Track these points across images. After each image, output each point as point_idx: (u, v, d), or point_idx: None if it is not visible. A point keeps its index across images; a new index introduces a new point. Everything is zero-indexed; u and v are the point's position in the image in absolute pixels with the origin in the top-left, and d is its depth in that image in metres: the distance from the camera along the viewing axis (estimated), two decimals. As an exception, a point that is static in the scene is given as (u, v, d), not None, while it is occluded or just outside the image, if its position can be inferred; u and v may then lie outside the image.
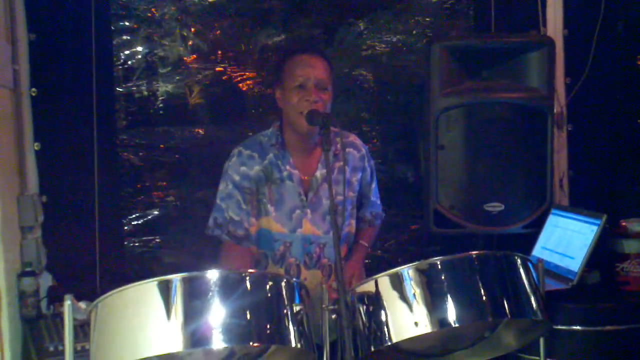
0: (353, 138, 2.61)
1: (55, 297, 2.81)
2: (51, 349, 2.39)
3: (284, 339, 1.76)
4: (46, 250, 2.90)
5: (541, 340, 2.17)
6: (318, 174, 2.47)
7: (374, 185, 2.65)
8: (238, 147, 2.49)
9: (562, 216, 2.90)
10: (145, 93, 3.26)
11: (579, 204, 3.09)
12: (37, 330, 2.59)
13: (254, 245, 2.46)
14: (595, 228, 2.66)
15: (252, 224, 2.45)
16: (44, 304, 2.83)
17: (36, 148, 2.91)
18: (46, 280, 2.90)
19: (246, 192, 2.43)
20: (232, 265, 2.38)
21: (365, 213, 2.66)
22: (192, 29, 3.32)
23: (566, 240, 2.80)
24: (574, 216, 2.82)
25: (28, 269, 2.77)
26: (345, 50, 3.50)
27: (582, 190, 3.38)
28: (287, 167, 2.44)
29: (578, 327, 2.50)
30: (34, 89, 2.89)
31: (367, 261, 2.73)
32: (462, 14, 3.53)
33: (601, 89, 3.37)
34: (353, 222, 2.54)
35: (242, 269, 2.28)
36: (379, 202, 2.69)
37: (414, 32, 3.53)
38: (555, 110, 3.11)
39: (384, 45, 3.51)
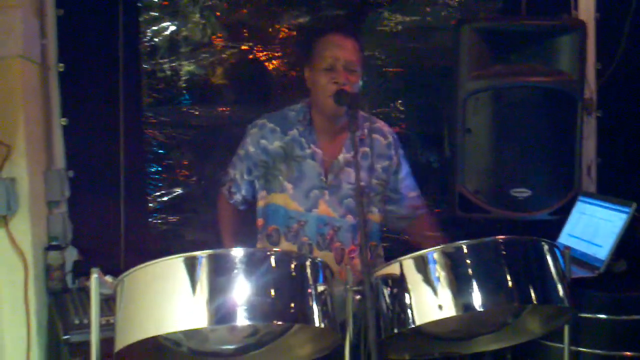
0: (381, 124, 2.58)
1: (80, 272, 2.84)
2: (76, 322, 2.42)
3: (307, 319, 1.76)
4: (72, 225, 2.94)
5: (566, 328, 2.15)
6: (341, 157, 2.45)
7: (401, 175, 2.57)
8: (264, 117, 2.51)
9: (590, 203, 2.87)
10: (170, 71, 3.26)
11: (606, 192, 3.05)
12: (62, 304, 2.63)
13: (259, 218, 2.50)
14: (624, 216, 2.62)
15: (258, 198, 2.49)
16: (69, 278, 2.87)
17: (63, 123, 2.93)
18: (71, 255, 2.93)
19: (261, 165, 2.46)
20: (223, 223, 2.65)
21: (402, 210, 2.59)
22: (219, 7, 3.31)
23: (593, 227, 2.77)
24: (602, 203, 2.78)
25: (54, 243, 2.80)
26: (372, 32, 3.47)
27: (609, 178, 3.34)
28: (312, 146, 2.43)
29: (603, 316, 2.48)
30: (61, 64, 2.90)
31: (386, 244, 2.69)
32: (491, -5, 3.49)
33: (632, 76, 3.31)
34: (375, 210, 2.50)
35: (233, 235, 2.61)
36: (413, 194, 2.61)
37: (443, 13, 3.49)
38: (585, 96, 3.06)
39: (411, 27, 3.48)
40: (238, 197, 2.57)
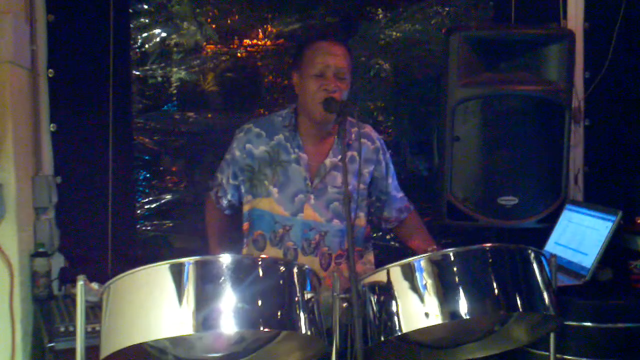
0: (368, 129, 2.59)
1: (66, 278, 2.83)
2: (62, 329, 2.40)
3: (294, 326, 1.76)
4: (59, 231, 2.92)
5: (551, 336, 2.16)
6: (327, 161, 2.45)
7: (390, 180, 2.58)
8: (250, 122, 2.52)
9: (577, 212, 2.88)
10: (161, 77, 3.26)
11: (594, 200, 3.07)
12: (48, 311, 2.62)
13: (245, 222, 2.50)
14: (610, 224, 2.63)
15: (244, 202, 2.50)
16: (55, 284, 2.85)
17: (52, 129, 2.92)
18: (58, 262, 2.92)
19: (247, 169, 2.46)
20: (207, 221, 2.65)
21: (391, 212, 2.60)
22: (210, 14, 3.31)
23: (580, 235, 2.78)
24: (589, 212, 2.80)
25: (41, 250, 2.79)
26: (363, 39, 3.48)
27: (597, 186, 3.35)
28: (296, 150, 2.44)
29: (589, 324, 2.49)
30: (51, 70, 2.90)
31: (375, 251, 2.70)
32: (481, 4, 3.51)
33: (620, 84, 3.33)
34: (362, 214, 2.51)
35: (222, 237, 2.61)
36: (400, 195, 2.63)
37: (433, 21, 3.51)
38: (572, 105, 3.08)
39: (401, 35, 3.49)
40: (224, 201, 2.57)
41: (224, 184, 2.55)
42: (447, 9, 3.51)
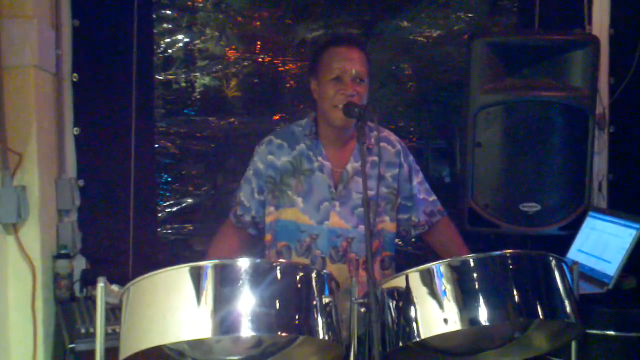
0: (387, 133, 2.57)
1: (88, 280, 2.86)
2: (83, 330, 2.42)
3: (312, 331, 1.75)
4: (81, 233, 2.95)
5: (573, 344, 2.12)
6: (349, 166, 2.44)
7: (415, 182, 2.55)
8: (270, 135, 2.51)
9: (600, 219, 2.85)
10: (184, 82, 3.28)
11: (617, 208, 3.02)
12: (69, 312, 2.64)
13: (267, 234, 2.47)
14: (633, 232, 2.60)
15: (266, 214, 2.46)
16: (77, 286, 2.88)
17: (75, 133, 2.96)
18: (80, 264, 2.95)
19: (269, 181, 2.45)
20: (217, 244, 2.54)
21: (419, 216, 2.55)
22: (233, 20, 3.33)
23: (603, 243, 2.75)
24: (612, 219, 2.76)
25: (63, 252, 2.82)
26: (385, 44, 3.48)
27: (620, 194, 3.32)
28: (319, 158, 2.43)
29: (612, 332, 2.45)
30: (75, 74, 2.94)
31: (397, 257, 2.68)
32: (505, 10, 3.49)
33: (646, 91, 3.29)
34: (387, 219, 2.50)
35: (229, 251, 2.48)
36: (431, 199, 2.58)
37: (456, 27, 3.49)
38: (597, 111, 3.05)
39: (424, 40, 3.48)
40: (247, 218, 2.49)
41: (244, 200, 2.49)
42: (470, 14, 3.50)
